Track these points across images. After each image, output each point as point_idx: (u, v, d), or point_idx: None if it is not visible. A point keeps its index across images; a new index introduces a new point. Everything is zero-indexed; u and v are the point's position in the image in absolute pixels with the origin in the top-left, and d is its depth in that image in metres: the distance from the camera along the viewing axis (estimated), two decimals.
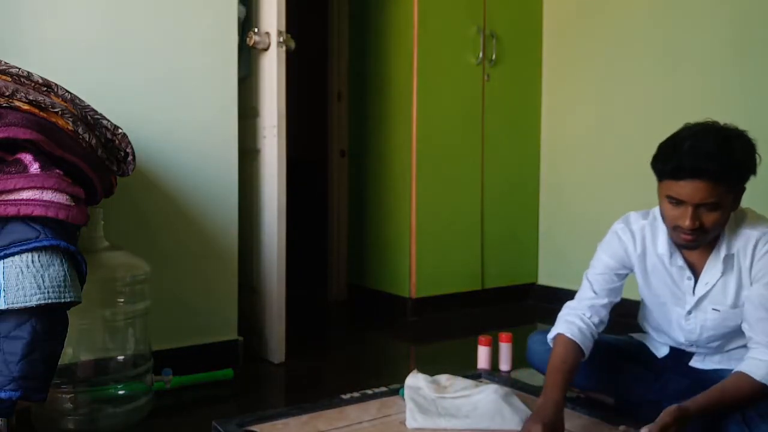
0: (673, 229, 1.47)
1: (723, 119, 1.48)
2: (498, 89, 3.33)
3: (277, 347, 2.31)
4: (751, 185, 1.48)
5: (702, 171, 1.36)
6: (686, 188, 1.39)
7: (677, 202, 1.42)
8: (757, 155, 1.43)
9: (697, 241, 1.46)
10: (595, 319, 1.63)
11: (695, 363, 1.70)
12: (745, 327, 1.52)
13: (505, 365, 2.18)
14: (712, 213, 1.41)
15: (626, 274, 1.69)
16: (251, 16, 2.38)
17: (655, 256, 1.61)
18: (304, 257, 3.73)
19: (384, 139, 3.29)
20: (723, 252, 1.52)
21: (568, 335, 1.58)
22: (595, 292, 1.66)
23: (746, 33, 2.64)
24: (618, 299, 1.70)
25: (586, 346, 1.59)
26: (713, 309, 1.57)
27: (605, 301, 1.66)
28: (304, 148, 4.34)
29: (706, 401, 1.40)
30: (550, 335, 1.64)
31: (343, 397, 1.79)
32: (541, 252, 3.54)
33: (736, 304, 1.54)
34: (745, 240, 1.50)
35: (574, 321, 1.61)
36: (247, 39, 2.30)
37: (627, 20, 3.09)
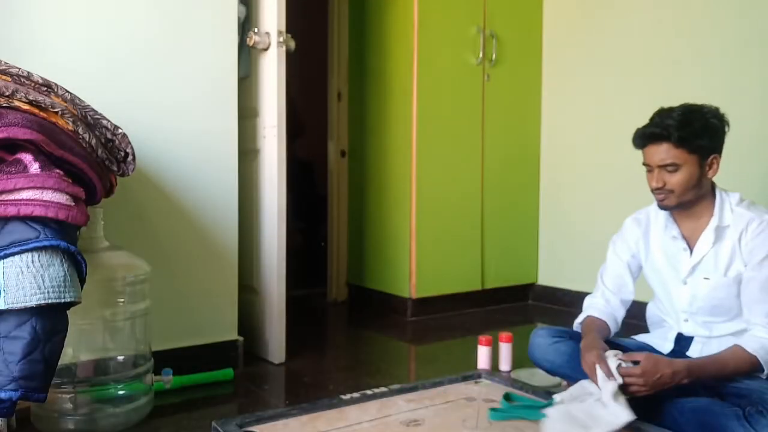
0: (652, 192, 1.66)
1: None
2: (498, 89, 3.33)
3: (277, 347, 2.31)
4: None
5: (653, 135, 1.60)
6: (647, 153, 1.64)
7: (648, 168, 1.64)
8: (721, 122, 1.61)
9: (667, 200, 1.64)
10: (612, 308, 1.82)
11: (693, 353, 1.71)
12: (744, 309, 1.64)
13: (505, 365, 2.17)
14: (674, 174, 1.60)
15: (637, 268, 1.84)
16: (251, 16, 2.38)
17: (657, 230, 1.77)
18: (304, 257, 3.73)
19: (384, 139, 3.29)
20: (715, 223, 1.65)
21: (595, 315, 1.80)
22: (606, 287, 1.85)
23: (746, 33, 2.64)
24: (630, 297, 1.84)
25: (612, 323, 1.80)
26: (704, 278, 1.68)
27: (617, 293, 1.83)
28: (304, 148, 4.35)
29: (703, 361, 1.56)
30: (578, 320, 1.83)
31: (343, 397, 1.78)
32: (541, 252, 3.54)
33: (725, 273, 1.65)
34: (738, 217, 1.64)
35: (596, 305, 1.83)
36: (247, 39, 2.30)
37: (627, 20, 3.09)
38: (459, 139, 3.23)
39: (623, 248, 1.84)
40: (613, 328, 1.80)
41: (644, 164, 1.66)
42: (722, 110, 1.64)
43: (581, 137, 3.32)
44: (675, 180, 1.61)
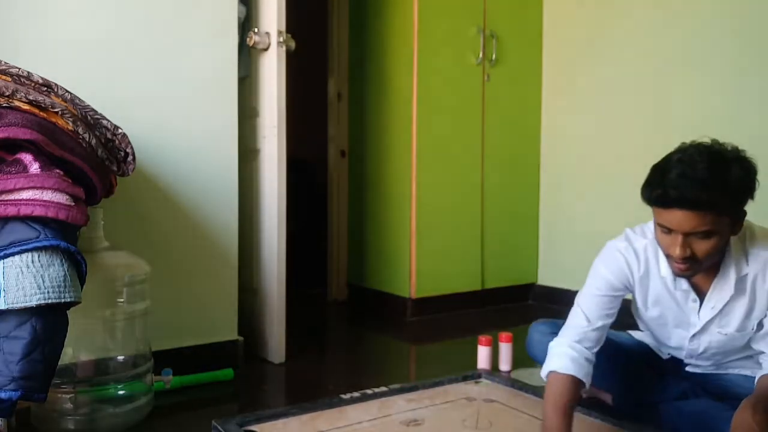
0: (667, 257, 1.41)
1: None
2: (498, 89, 3.33)
3: (277, 347, 2.31)
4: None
5: (689, 201, 1.28)
6: (674, 217, 1.31)
7: (668, 230, 1.35)
8: (755, 180, 1.33)
9: (691, 270, 1.38)
10: (588, 344, 1.50)
11: (691, 368, 1.70)
12: (759, 342, 1.49)
13: (505, 365, 2.18)
14: (705, 241, 1.32)
15: (622, 296, 1.57)
16: (251, 16, 2.38)
17: (658, 278, 1.53)
18: (304, 257, 3.73)
19: (384, 139, 3.29)
20: (733, 274, 1.44)
21: (561, 371, 1.44)
22: (588, 320, 1.52)
23: (747, 31, 2.64)
24: (613, 320, 1.56)
25: (584, 374, 1.45)
26: (719, 332, 1.51)
27: (599, 324, 1.52)
28: (304, 148, 4.34)
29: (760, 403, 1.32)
30: (543, 373, 1.49)
31: (343, 397, 1.79)
32: (541, 252, 3.54)
33: (743, 328, 1.48)
34: (763, 262, 1.43)
35: (565, 352, 1.47)
36: (247, 39, 2.30)
37: (627, 20, 3.09)
38: (459, 139, 3.23)
39: (619, 275, 1.54)
40: (586, 376, 1.45)
41: (660, 225, 1.36)
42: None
43: (581, 137, 3.32)
44: (706, 247, 1.33)
